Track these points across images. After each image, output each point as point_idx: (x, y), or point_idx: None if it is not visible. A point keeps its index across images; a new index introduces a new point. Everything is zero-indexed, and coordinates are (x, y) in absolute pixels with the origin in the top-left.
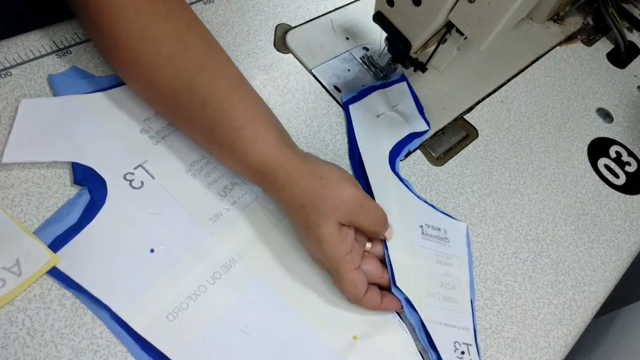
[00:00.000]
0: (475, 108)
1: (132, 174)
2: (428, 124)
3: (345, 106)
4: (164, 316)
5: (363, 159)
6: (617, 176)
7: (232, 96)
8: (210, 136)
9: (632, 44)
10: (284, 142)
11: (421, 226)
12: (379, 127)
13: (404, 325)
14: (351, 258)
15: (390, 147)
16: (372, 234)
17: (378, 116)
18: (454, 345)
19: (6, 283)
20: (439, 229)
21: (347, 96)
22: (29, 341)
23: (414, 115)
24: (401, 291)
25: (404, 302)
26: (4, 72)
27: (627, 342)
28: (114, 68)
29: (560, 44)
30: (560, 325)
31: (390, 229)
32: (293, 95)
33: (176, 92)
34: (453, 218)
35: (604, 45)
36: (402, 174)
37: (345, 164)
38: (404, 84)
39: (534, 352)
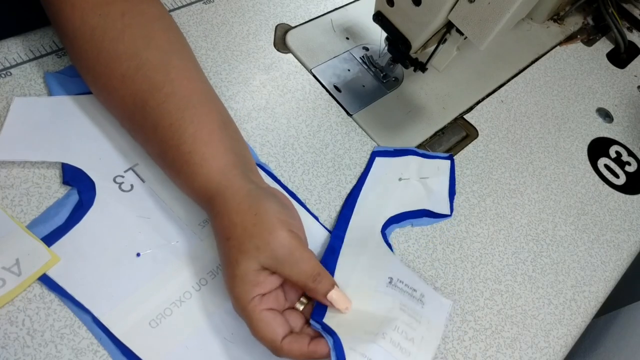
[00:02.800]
0: (475, 108)
1: (122, 176)
2: (451, 210)
3: (372, 156)
4: (147, 322)
5: (356, 208)
6: (617, 176)
7: (182, 118)
8: (162, 159)
9: (632, 44)
10: (236, 167)
11: (390, 277)
12: (395, 189)
13: None
14: (264, 300)
15: (395, 213)
16: (302, 287)
17: (400, 179)
18: None
19: (6, 283)
20: (414, 290)
21: (380, 148)
22: (29, 341)
23: (441, 196)
24: (324, 324)
25: (330, 341)
26: (4, 72)
27: (627, 342)
28: (86, 82)
29: (560, 44)
30: (560, 325)
31: (342, 297)
32: (293, 95)
33: (131, 113)
34: (439, 294)
35: (604, 45)
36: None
37: (344, 164)
38: (448, 162)
39: (534, 352)
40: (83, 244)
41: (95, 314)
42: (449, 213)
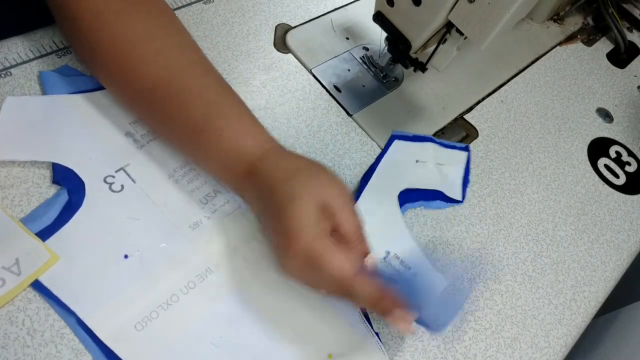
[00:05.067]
0: (475, 108)
1: (113, 177)
2: (463, 197)
3: (391, 138)
4: (132, 325)
5: (371, 179)
6: (617, 176)
7: (226, 90)
8: (199, 124)
9: (632, 44)
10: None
11: (387, 252)
12: (411, 168)
13: (382, 346)
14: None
15: (406, 187)
16: (348, 237)
17: (417, 161)
18: None
19: (6, 283)
20: (408, 268)
21: (399, 132)
22: (29, 341)
23: (455, 183)
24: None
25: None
26: (4, 72)
27: (627, 342)
28: (93, 71)
29: (560, 44)
30: (560, 325)
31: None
32: (293, 95)
33: (167, 83)
34: (447, 279)
35: (604, 45)
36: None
37: (344, 164)
38: (466, 154)
39: (534, 352)
40: (70, 244)
41: (80, 316)
42: (461, 199)
